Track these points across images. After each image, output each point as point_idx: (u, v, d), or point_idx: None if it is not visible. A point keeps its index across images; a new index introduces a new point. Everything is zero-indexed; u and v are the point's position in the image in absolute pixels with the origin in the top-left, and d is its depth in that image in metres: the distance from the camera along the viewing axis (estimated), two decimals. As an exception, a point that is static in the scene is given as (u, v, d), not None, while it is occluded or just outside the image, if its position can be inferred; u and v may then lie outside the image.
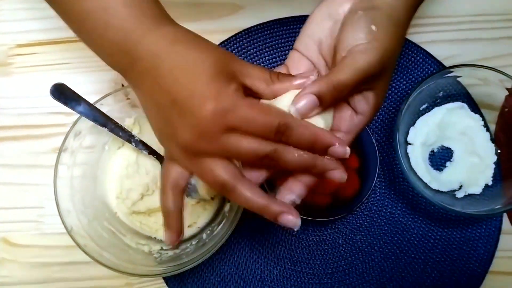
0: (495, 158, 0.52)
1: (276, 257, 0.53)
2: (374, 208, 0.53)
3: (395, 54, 0.36)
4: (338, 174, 0.36)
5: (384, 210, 0.53)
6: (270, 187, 0.49)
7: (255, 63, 0.56)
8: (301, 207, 0.49)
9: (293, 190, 0.36)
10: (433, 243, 0.53)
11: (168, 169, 0.38)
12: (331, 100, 0.35)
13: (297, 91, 0.35)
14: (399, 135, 0.48)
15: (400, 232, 0.53)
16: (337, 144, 0.34)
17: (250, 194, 0.34)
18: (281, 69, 0.39)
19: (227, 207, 0.49)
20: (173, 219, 0.40)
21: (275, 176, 0.38)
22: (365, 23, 0.34)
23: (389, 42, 0.35)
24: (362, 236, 0.53)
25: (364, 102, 0.36)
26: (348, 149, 0.35)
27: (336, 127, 0.37)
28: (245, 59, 0.56)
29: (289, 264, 0.52)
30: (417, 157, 0.52)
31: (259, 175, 0.37)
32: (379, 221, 0.53)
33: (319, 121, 0.35)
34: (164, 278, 0.53)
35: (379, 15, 0.35)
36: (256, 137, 0.33)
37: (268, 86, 0.35)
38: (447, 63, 0.56)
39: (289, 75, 0.37)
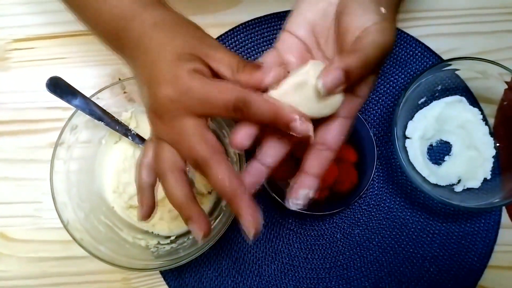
0: (493, 152, 0.52)
1: (274, 252, 0.52)
2: (372, 202, 0.53)
3: (395, 38, 0.35)
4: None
5: (382, 205, 0.53)
6: (271, 187, 0.49)
7: (252, 57, 0.56)
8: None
9: (305, 185, 0.35)
10: (431, 238, 0.52)
11: (160, 150, 0.34)
12: (358, 78, 0.33)
13: (298, 77, 0.33)
14: (397, 129, 0.48)
15: (398, 227, 0.53)
16: (297, 119, 0.32)
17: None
18: (271, 53, 0.37)
19: (224, 202, 0.49)
20: (146, 196, 0.37)
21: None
22: (374, 4, 0.34)
23: (394, 25, 0.35)
24: (360, 231, 0.53)
25: (364, 85, 0.35)
26: (310, 126, 0.33)
27: (337, 115, 0.36)
28: (243, 53, 0.56)
29: (287, 259, 0.52)
30: (415, 151, 0.52)
31: (277, 151, 0.36)
32: (377, 215, 0.53)
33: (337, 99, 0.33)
34: (162, 273, 0.52)
35: None
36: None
37: (233, 75, 0.34)
38: (445, 57, 0.55)
39: (255, 67, 0.34)
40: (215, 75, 0.34)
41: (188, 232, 0.50)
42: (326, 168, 0.36)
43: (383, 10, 0.34)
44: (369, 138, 0.49)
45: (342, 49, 0.35)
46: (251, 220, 0.32)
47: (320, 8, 0.37)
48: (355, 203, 0.53)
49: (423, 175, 0.51)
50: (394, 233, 0.53)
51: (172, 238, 0.50)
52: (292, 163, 0.48)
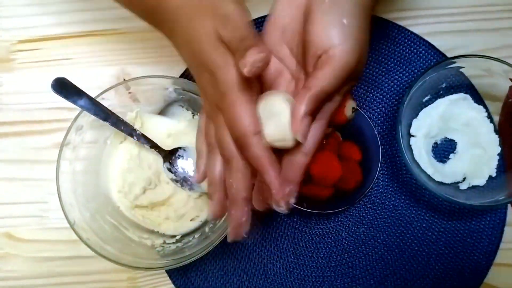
0: (499, 149, 0.52)
1: (279, 251, 0.52)
2: (377, 200, 0.53)
3: (367, 43, 0.36)
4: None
5: (387, 203, 0.53)
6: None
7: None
8: (304, 200, 0.50)
9: (288, 193, 0.37)
10: (437, 236, 0.52)
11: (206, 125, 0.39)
12: (326, 101, 0.36)
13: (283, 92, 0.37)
14: (401, 127, 0.48)
15: (404, 225, 0.53)
16: (275, 192, 0.35)
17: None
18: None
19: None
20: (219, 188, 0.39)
21: None
22: (335, 16, 0.34)
23: (361, 35, 0.35)
24: (365, 229, 0.53)
25: (337, 94, 0.37)
26: (285, 201, 0.36)
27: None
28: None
29: (292, 257, 0.52)
30: (420, 149, 0.52)
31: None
32: (382, 213, 0.53)
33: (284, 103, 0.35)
34: (168, 272, 0.53)
35: (348, 5, 0.35)
36: None
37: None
38: (450, 55, 0.55)
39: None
40: None
41: (193, 231, 0.51)
42: (302, 173, 0.37)
43: (345, 21, 0.34)
44: (373, 136, 0.50)
45: (306, 63, 0.36)
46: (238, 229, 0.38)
47: (291, 12, 0.38)
48: (360, 202, 0.53)
49: (428, 173, 0.51)
50: (399, 231, 0.53)
51: (178, 237, 0.50)
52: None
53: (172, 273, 0.52)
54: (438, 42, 0.56)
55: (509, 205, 0.53)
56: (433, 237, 0.52)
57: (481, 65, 0.50)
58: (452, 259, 0.52)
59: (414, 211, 0.53)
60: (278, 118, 0.35)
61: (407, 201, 0.53)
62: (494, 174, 0.51)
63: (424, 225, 0.53)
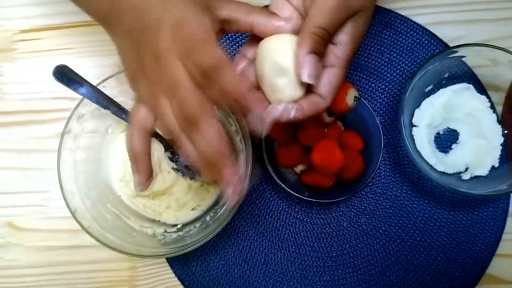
0: (501, 139, 0.51)
1: (280, 241, 0.52)
2: (379, 191, 0.53)
3: None
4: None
5: (389, 193, 0.53)
6: (278, 175, 0.49)
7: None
8: (305, 189, 0.49)
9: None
10: (438, 226, 0.52)
11: (135, 111, 0.36)
12: (325, 47, 0.36)
13: (283, 36, 0.37)
14: (403, 117, 0.48)
15: (405, 215, 0.52)
16: (254, 112, 0.34)
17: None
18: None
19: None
20: (141, 161, 0.37)
21: None
22: None
23: None
24: (367, 219, 0.53)
25: (342, 33, 0.36)
26: (264, 125, 0.35)
27: (323, 64, 0.37)
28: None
29: (293, 247, 0.52)
30: (422, 139, 0.52)
31: None
32: (384, 204, 0.53)
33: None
34: (168, 262, 0.53)
35: None
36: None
37: (248, 15, 0.36)
38: (452, 44, 0.54)
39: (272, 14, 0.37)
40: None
41: (194, 220, 0.51)
42: (316, 114, 0.37)
43: None
44: (375, 125, 0.49)
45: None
46: (236, 188, 0.34)
47: None
48: (362, 192, 0.53)
49: (430, 163, 0.51)
50: (401, 221, 0.52)
51: (179, 226, 0.50)
52: (298, 150, 0.49)
53: (173, 263, 0.52)
54: (441, 32, 0.55)
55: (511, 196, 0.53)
56: (435, 228, 0.52)
57: (485, 54, 0.50)
58: (454, 250, 0.52)
59: (416, 201, 0.53)
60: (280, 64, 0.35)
61: (409, 191, 0.53)
62: (496, 164, 0.51)
63: (426, 215, 0.52)
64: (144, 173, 0.38)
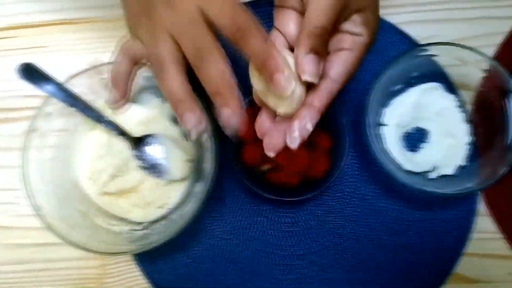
0: (470, 138, 0.51)
1: (247, 239, 0.52)
2: (347, 189, 0.53)
3: None
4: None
5: (357, 192, 0.53)
6: (246, 174, 0.49)
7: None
8: (271, 188, 0.49)
9: (301, 116, 0.36)
10: (407, 225, 0.52)
11: (128, 41, 0.41)
12: (326, 45, 0.35)
13: None
14: (369, 116, 0.48)
15: (373, 214, 0.52)
16: (283, 74, 0.34)
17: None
18: (273, 34, 0.39)
19: (197, 188, 0.49)
20: (120, 80, 0.43)
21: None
22: None
23: None
24: (334, 218, 0.53)
25: (354, 25, 0.37)
26: (291, 87, 0.34)
27: (340, 47, 0.37)
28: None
29: (261, 245, 0.52)
30: (391, 138, 0.52)
31: None
32: (351, 203, 0.53)
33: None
34: (136, 260, 0.53)
35: None
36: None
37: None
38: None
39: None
40: None
41: (161, 218, 0.51)
42: (329, 101, 0.36)
43: None
44: (342, 124, 0.49)
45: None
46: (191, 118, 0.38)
47: None
48: (330, 190, 0.53)
49: (398, 162, 0.51)
50: (368, 220, 0.52)
51: (145, 224, 0.50)
52: (263, 149, 0.48)
53: (141, 261, 0.53)
54: (412, 31, 0.55)
55: (481, 195, 0.53)
56: (402, 227, 0.52)
57: (454, 54, 0.50)
58: (421, 249, 0.52)
59: (384, 201, 0.53)
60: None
61: (377, 191, 0.53)
62: (464, 163, 0.51)
63: (394, 214, 0.52)
64: (121, 90, 0.43)
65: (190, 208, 0.48)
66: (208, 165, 0.47)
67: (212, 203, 0.53)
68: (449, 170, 0.51)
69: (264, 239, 0.52)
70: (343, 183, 0.53)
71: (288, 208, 0.53)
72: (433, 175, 0.51)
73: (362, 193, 0.53)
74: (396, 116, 0.52)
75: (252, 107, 0.49)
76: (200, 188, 0.48)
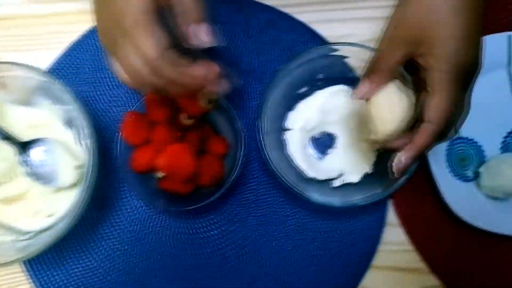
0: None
1: (145, 250, 0.49)
2: (252, 197, 0.50)
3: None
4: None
5: (261, 200, 0.50)
6: (137, 184, 0.46)
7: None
8: (165, 196, 0.47)
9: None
10: (311, 236, 0.49)
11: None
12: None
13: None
14: (263, 121, 0.45)
15: (276, 223, 0.50)
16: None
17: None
18: None
19: (82, 194, 0.46)
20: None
21: None
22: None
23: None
24: (237, 227, 0.50)
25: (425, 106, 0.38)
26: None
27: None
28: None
29: (158, 256, 0.49)
30: (295, 143, 0.49)
31: None
32: (255, 211, 0.50)
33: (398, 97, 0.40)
34: (29, 270, 0.50)
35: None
36: None
37: None
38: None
39: None
40: None
41: (48, 228, 0.48)
42: (429, 141, 0.38)
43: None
44: (239, 129, 0.47)
45: None
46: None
47: None
48: (233, 198, 0.50)
49: (301, 168, 0.48)
50: (271, 230, 0.50)
51: (32, 233, 0.48)
52: (152, 154, 0.46)
53: (34, 270, 0.50)
54: (324, 31, 0.53)
55: (389, 205, 0.50)
56: (307, 237, 0.49)
57: (360, 55, 0.47)
58: (327, 261, 0.49)
59: (289, 210, 0.50)
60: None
61: (281, 199, 0.50)
62: (370, 171, 0.48)
63: (298, 224, 0.50)
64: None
65: (78, 219, 0.46)
66: (89, 170, 0.45)
67: (108, 212, 0.50)
68: (355, 178, 0.48)
69: (162, 249, 0.50)
70: (247, 190, 0.50)
71: (188, 217, 0.50)
72: (336, 182, 0.48)
73: (266, 201, 0.50)
74: (301, 120, 0.50)
75: (140, 113, 0.46)
76: (88, 196, 0.45)
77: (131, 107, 0.48)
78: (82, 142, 0.48)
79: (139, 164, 0.46)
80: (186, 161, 0.43)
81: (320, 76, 0.50)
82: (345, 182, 0.48)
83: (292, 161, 0.48)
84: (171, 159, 0.43)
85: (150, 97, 0.45)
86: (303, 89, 0.50)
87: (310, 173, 0.48)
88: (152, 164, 0.45)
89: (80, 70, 0.53)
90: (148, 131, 0.46)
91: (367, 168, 0.48)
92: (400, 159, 0.40)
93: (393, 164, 0.40)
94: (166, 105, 0.45)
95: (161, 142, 0.45)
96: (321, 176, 0.48)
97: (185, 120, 0.46)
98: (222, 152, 0.47)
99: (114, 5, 0.34)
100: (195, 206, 0.45)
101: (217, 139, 0.48)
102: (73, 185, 0.48)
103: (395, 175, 0.41)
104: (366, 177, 0.48)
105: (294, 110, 0.50)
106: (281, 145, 0.49)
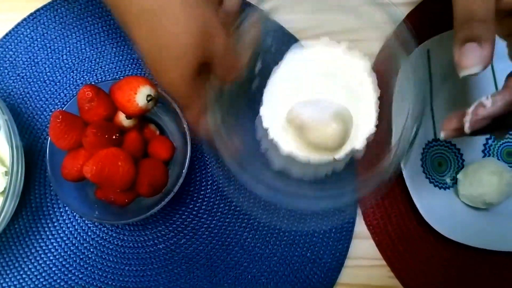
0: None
1: (84, 266, 0.44)
2: (204, 207, 0.45)
3: None
4: None
5: (214, 210, 0.45)
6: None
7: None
8: (101, 209, 0.42)
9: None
10: (271, 249, 0.44)
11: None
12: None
13: None
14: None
15: (232, 235, 0.45)
16: None
17: None
18: None
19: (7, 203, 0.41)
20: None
21: None
22: None
23: None
24: (187, 240, 0.45)
25: None
26: None
27: None
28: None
29: (99, 273, 0.44)
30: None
31: None
32: (207, 223, 0.45)
33: None
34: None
35: None
36: None
37: None
38: (301, 36, 0.47)
39: None
40: None
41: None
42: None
43: None
44: (184, 132, 0.41)
45: None
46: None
47: None
48: (183, 207, 0.45)
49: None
50: (226, 243, 0.44)
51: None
52: (84, 160, 0.40)
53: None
54: (287, 22, 0.47)
55: (358, 216, 0.45)
56: (266, 251, 0.44)
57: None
58: (288, 278, 0.44)
59: (245, 220, 0.45)
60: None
61: (237, 208, 0.45)
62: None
63: (256, 237, 0.44)
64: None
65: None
66: (15, 177, 0.40)
67: (45, 225, 0.45)
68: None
69: (104, 265, 0.44)
70: (199, 201, 0.45)
71: (133, 229, 0.45)
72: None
73: (220, 211, 0.45)
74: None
75: (71, 113, 0.41)
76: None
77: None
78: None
79: (68, 172, 0.40)
80: (120, 167, 0.38)
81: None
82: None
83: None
84: (101, 165, 0.37)
85: (81, 95, 0.40)
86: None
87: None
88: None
89: (14, 64, 0.47)
90: (80, 133, 0.40)
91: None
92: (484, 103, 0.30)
93: (469, 111, 0.30)
94: (100, 103, 0.40)
95: (91, 146, 0.39)
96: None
97: (124, 121, 0.41)
98: (166, 156, 0.42)
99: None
100: (134, 219, 0.40)
101: (161, 141, 0.43)
102: (1, 193, 0.43)
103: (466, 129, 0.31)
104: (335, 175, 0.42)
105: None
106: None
